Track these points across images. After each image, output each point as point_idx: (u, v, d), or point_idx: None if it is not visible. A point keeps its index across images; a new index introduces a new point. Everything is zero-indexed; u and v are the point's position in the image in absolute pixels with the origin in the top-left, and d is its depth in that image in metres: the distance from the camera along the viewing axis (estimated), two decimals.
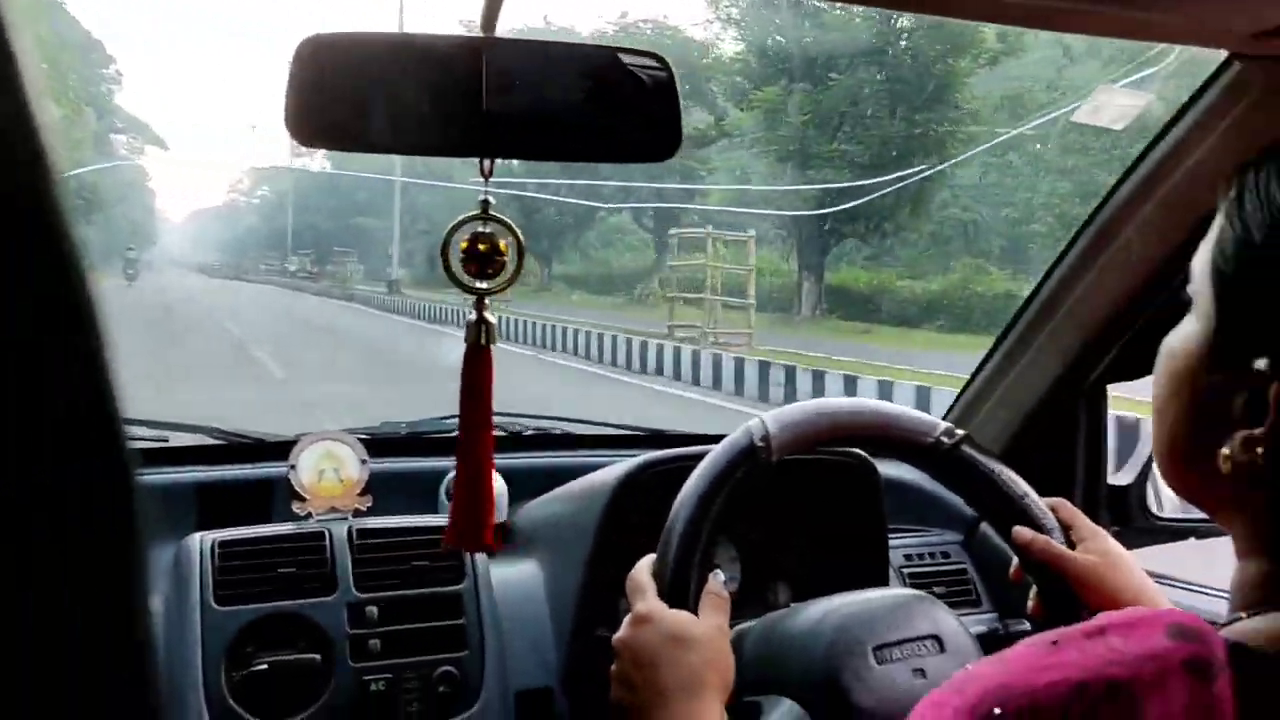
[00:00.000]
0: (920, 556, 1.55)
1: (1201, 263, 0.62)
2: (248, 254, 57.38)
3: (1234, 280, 0.59)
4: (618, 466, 1.32)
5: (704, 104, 26.38)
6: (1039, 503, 1.09)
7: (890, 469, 1.61)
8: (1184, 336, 0.64)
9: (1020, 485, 1.09)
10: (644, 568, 1.04)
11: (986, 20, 0.83)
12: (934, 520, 1.65)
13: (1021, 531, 1.08)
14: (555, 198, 26.39)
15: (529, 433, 1.70)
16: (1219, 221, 0.61)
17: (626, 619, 1.01)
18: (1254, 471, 0.58)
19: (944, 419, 1.43)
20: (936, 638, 1.07)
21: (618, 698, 0.99)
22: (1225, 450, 0.59)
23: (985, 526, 1.57)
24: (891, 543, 1.48)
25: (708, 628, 0.99)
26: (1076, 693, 0.52)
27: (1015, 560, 1.09)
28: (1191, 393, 0.63)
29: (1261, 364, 0.56)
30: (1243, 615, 0.59)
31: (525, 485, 1.50)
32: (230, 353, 14.43)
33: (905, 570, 1.52)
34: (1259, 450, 0.57)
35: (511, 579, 1.32)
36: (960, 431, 1.08)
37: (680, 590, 1.00)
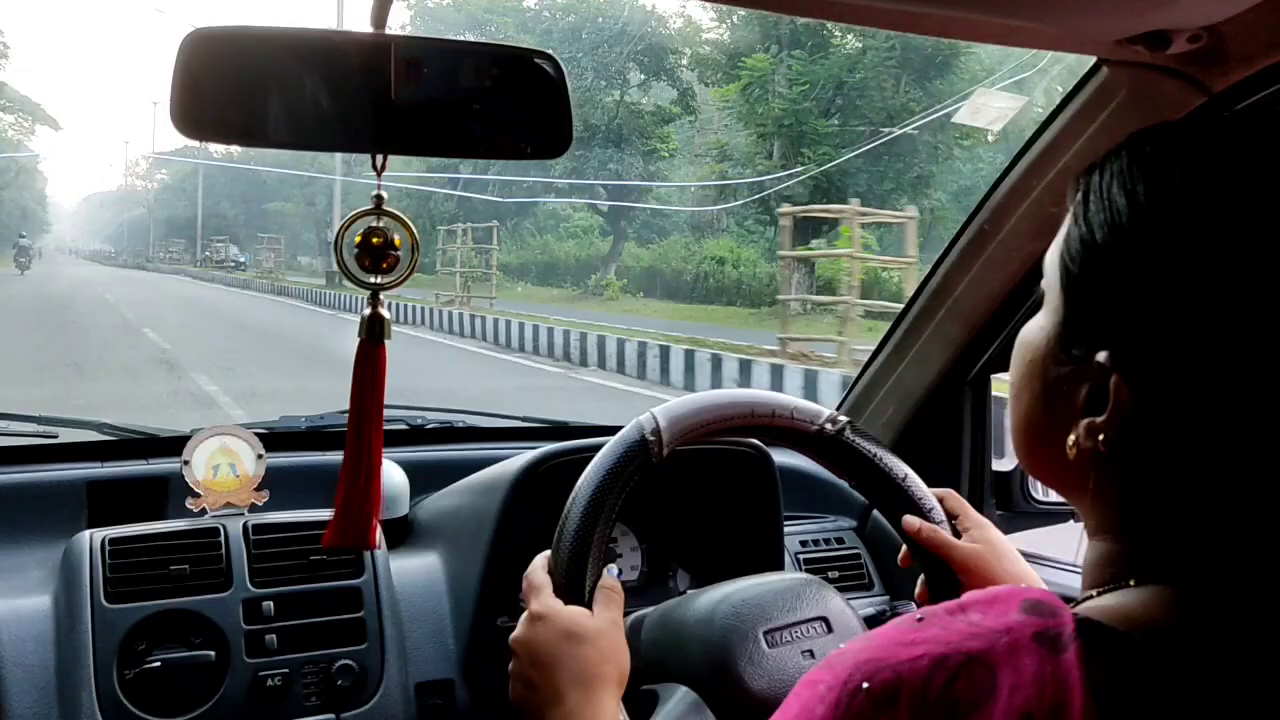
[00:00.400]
0: (815, 542, 1.60)
1: (1052, 260, 0.65)
2: (150, 241, 55.13)
3: (1078, 277, 0.62)
4: (517, 459, 1.33)
5: (669, 79, 25.96)
6: (921, 485, 1.14)
7: (787, 458, 1.65)
8: (1036, 329, 0.67)
9: (901, 468, 1.14)
10: (539, 566, 1.06)
11: (857, 23, 0.86)
12: (829, 507, 1.70)
13: (910, 520, 1.13)
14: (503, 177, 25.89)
15: (431, 426, 1.70)
16: (1067, 221, 0.64)
17: (522, 618, 1.02)
18: (1098, 457, 0.61)
19: (837, 409, 1.48)
20: (824, 620, 1.11)
21: (516, 696, 1.00)
22: (1072, 437, 0.62)
23: (878, 513, 1.63)
24: (788, 529, 1.52)
25: (602, 622, 1.01)
26: (937, 665, 0.55)
27: (904, 547, 1.14)
28: (1042, 383, 0.66)
29: (1102, 357, 0.59)
30: (1093, 593, 0.63)
31: (427, 478, 1.50)
32: (127, 344, 13.92)
33: (801, 556, 1.56)
34: (1101, 437, 0.60)
35: (412, 571, 1.32)
36: (844, 419, 1.12)
37: (575, 586, 1.02)
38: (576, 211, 31.78)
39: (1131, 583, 0.60)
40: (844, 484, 1.67)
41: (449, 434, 1.69)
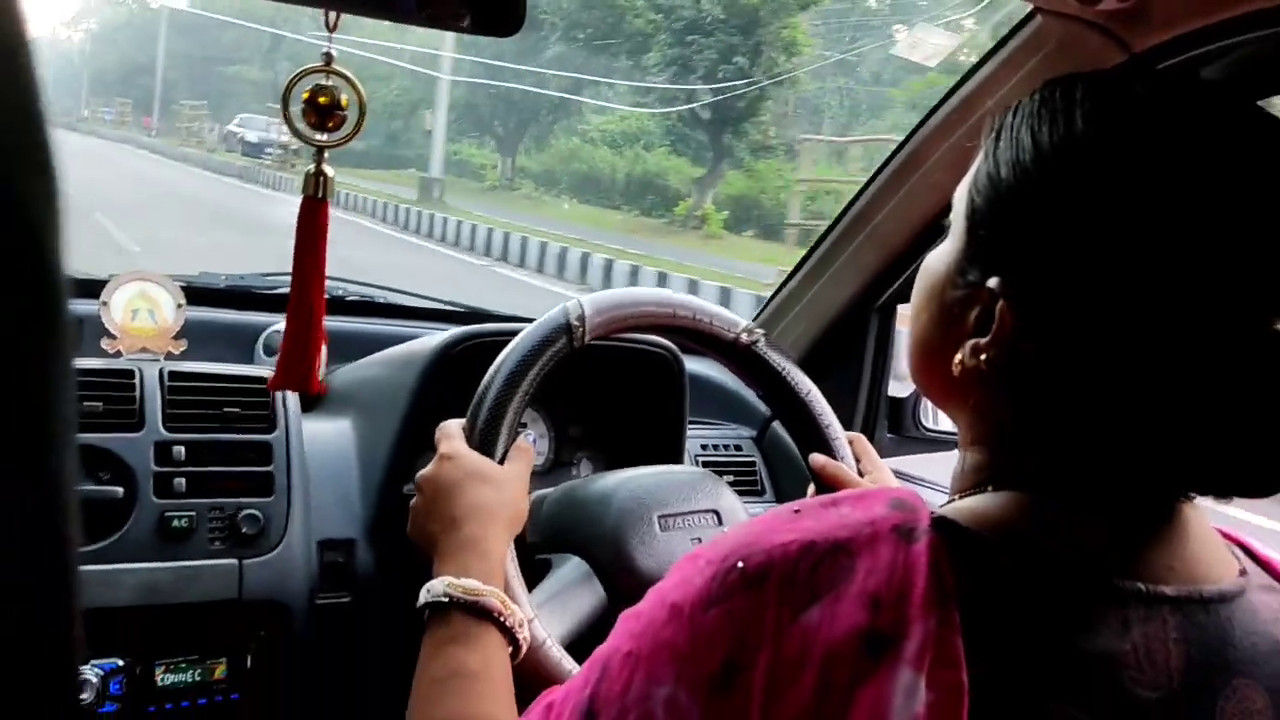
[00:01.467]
0: (715, 447, 1.67)
1: (960, 193, 0.69)
2: (74, 99, 50.38)
3: (980, 209, 0.66)
4: (438, 335, 1.36)
5: None
6: (822, 402, 1.21)
7: (699, 366, 1.72)
8: (939, 255, 0.71)
9: (806, 384, 1.20)
10: (454, 421, 1.09)
11: None
12: (732, 416, 1.77)
13: (817, 456, 1.20)
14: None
15: (352, 298, 1.71)
16: (978, 158, 0.68)
17: (433, 459, 1.06)
18: (979, 374, 0.66)
19: (753, 320, 1.54)
20: (716, 512, 1.18)
21: (416, 524, 1.03)
22: (959, 355, 0.67)
23: (777, 426, 1.71)
24: (691, 432, 1.59)
25: (509, 471, 1.04)
26: (805, 550, 0.59)
27: (811, 485, 1.21)
28: (939, 304, 0.70)
29: (993, 283, 0.64)
30: (955, 497, 0.70)
31: (344, 348, 1.52)
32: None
33: (700, 457, 1.63)
34: (983, 356, 0.65)
35: (323, 434, 1.35)
36: (760, 331, 1.18)
37: (487, 447, 1.06)
38: (622, 119, 25.55)
39: (990, 488, 0.66)
40: (748, 395, 1.75)
41: (370, 308, 1.71)
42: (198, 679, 1.16)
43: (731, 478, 1.62)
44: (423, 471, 1.05)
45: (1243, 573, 0.65)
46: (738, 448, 1.69)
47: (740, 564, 0.60)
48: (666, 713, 0.59)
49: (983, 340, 0.65)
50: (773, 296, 1.73)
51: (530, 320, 1.14)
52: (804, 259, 1.65)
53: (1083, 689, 0.57)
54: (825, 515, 0.62)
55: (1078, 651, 0.58)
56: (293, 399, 1.31)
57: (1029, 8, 1.13)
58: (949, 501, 0.68)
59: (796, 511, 0.63)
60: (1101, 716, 0.57)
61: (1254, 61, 1.07)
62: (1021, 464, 0.66)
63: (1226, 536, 0.70)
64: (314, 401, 1.42)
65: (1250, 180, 0.58)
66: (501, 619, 0.92)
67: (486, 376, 1.09)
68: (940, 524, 0.60)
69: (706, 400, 1.76)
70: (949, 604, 0.56)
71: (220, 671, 1.17)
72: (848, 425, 1.28)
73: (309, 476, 1.28)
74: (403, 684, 1.06)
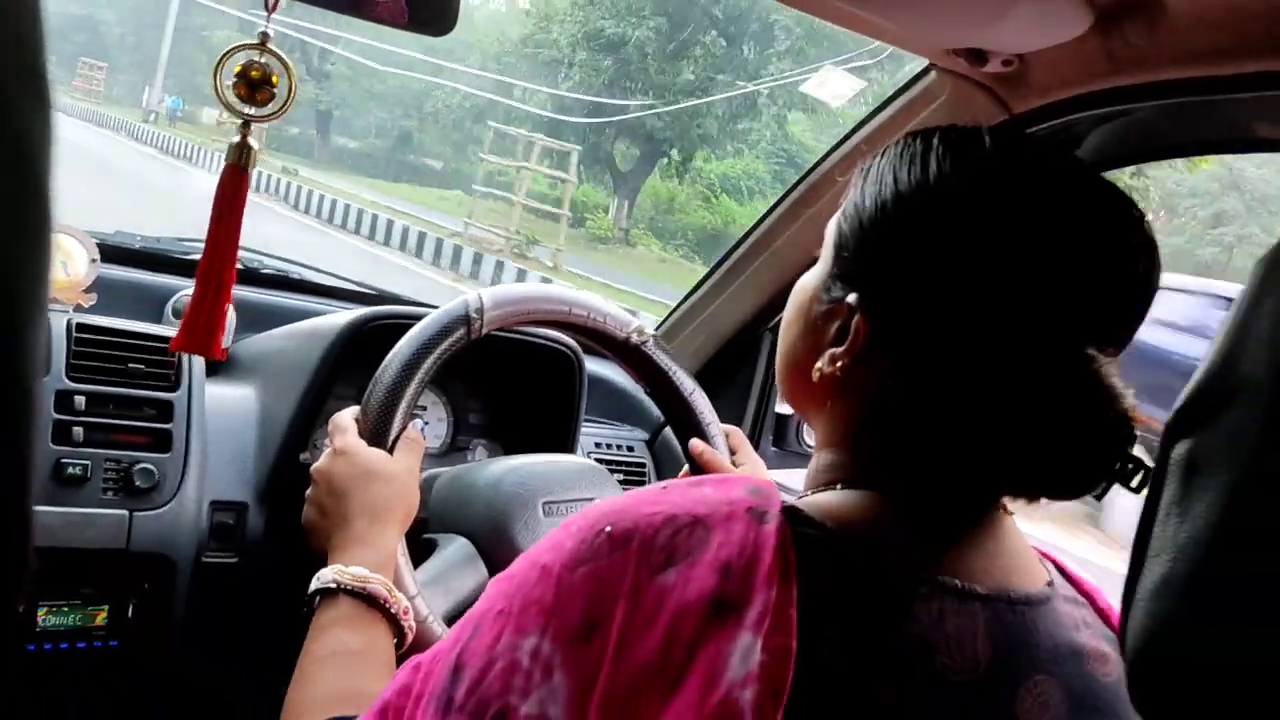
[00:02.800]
0: (608, 446, 1.73)
1: (832, 221, 0.78)
2: None
3: (846, 236, 0.75)
4: (345, 314, 1.40)
5: None
6: (704, 400, 1.29)
7: (602, 369, 1.79)
8: (809, 275, 0.80)
9: (690, 384, 1.28)
10: (347, 412, 1.14)
11: None
12: (626, 418, 1.84)
13: (696, 443, 1.28)
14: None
15: (267, 271, 1.74)
16: (850, 192, 0.77)
17: (326, 452, 1.11)
18: (835, 382, 0.74)
19: (655, 329, 1.61)
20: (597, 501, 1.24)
21: (309, 519, 1.09)
22: (819, 363, 0.75)
23: (669, 431, 1.78)
24: (586, 430, 1.65)
25: (399, 466, 1.10)
26: (668, 521, 0.65)
27: (686, 466, 1.29)
28: (805, 318, 0.79)
29: (852, 299, 0.72)
30: (808, 493, 0.78)
31: (256, 319, 1.55)
32: None
33: (593, 454, 1.69)
34: (839, 364, 0.73)
35: (225, 399, 1.38)
36: (650, 332, 1.25)
37: (380, 435, 1.10)
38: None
39: (839, 487, 0.73)
40: (645, 401, 1.82)
41: (283, 282, 1.74)
42: (78, 623, 1.18)
43: (621, 476, 1.69)
44: (317, 464, 1.10)
45: (1050, 584, 0.73)
46: (630, 448, 1.76)
47: (608, 529, 0.65)
48: (531, 661, 0.63)
49: (839, 350, 0.73)
50: (675, 309, 1.81)
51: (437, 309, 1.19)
52: (706, 276, 1.74)
53: (898, 667, 0.64)
54: (689, 493, 0.68)
55: (897, 634, 0.65)
56: (198, 362, 1.34)
57: (926, 63, 1.23)
58: (801, 496, 0.75)
59: (664, 488, 0.69)
60: (914, 693, 0.64)
61: (1115, 132, 1.19)
62: (866, 467, 0.73)
63: (1042, 555, 0.79)
64: (220, 367, 1.44)
65: (1068, 229, 0.67)
66: (387, 605, 0.98)
67: (384, 362, 1.13)
68: (790, 511, 0.67)
69: (605, 401, 1.83)
70: (789, 580, 0.62)
71: (102, 619, 1.19)
72: None
73: (207, 437, 1.31)
74: (283, 644, 1.11)
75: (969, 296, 0.68)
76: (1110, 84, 1.06)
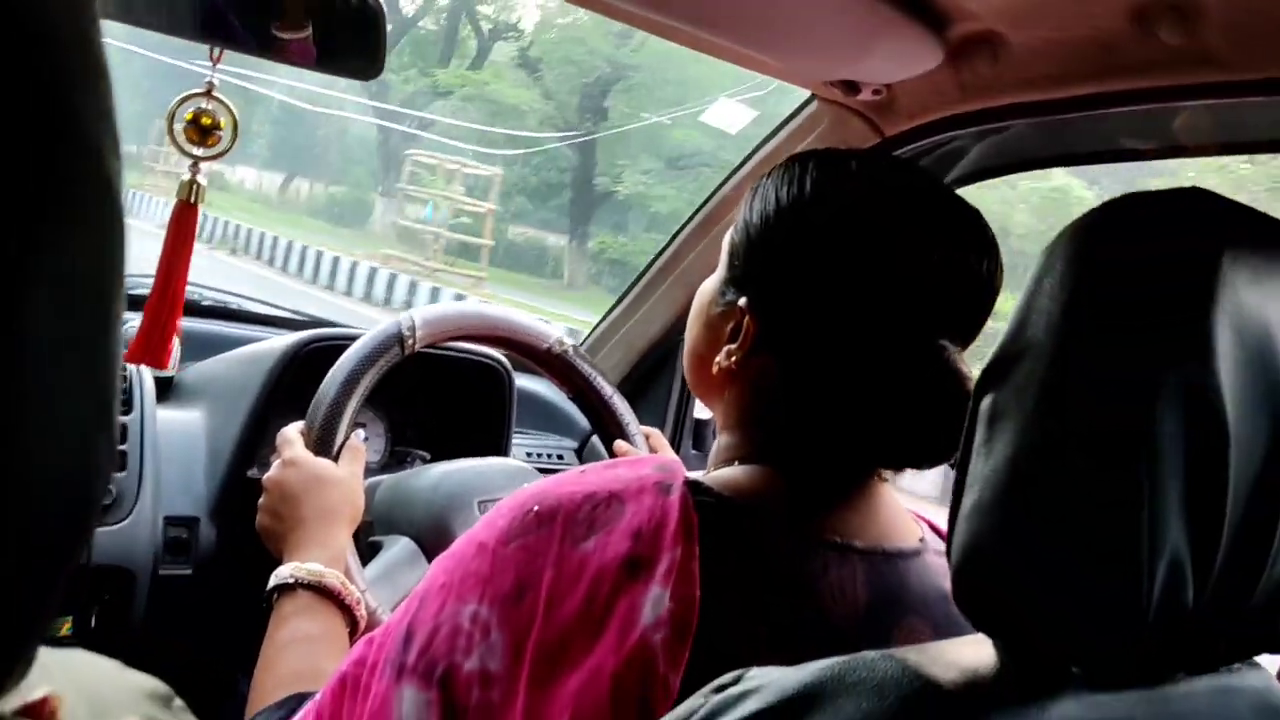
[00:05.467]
0: (538, 455, 1.84)
1: (726, 237, 0.90)
2: None
3: (736, 247, 0.87)
4: (285, 338, 1.49)
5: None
6: (624, 404, 1.40)
7: (529, 383, 1.89)
8: (708, 282, 0.91)
9: (609, 389, 1.39)
10: (294, 426, 1.23)
11: (621, 20, 1.03)
12: (555, 429, 1.95)
13: (621, 444, 1.39)
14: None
15: (207, 302, 1.82)
16: (740, 210, 0.89)
17: (276, 463, 1.20)
18: (730, 373, 0.85)
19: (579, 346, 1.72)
20: None
21: (264, 524, 1.17)
22: (717, 359, 0.84)
23: (596, 441, 1.89)
24: (517, 440, 1.75)
25: (345, 472, 1.20)
26: (587, 498, 0.73)
27: None
28: (705, 320, 0.89)
29: (743, 301, 0.83)
30: (711, 470, 0.88)
31: (197, 347, 1.63)
32: None
33: (524, 462, 1.79)
34: (733, 359, 0.84)
35: (174, 421, 1.46)
36: (570, 343, 1.37)
37: (325, 445, 1.20)
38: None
39: (737, 463, 0.84)
40: (573, 412, 1.93)
41: (223, 312, 1.82)
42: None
43: None
44: (269, 474, 1.18)
45: (922, 540, 0.84)
46: (559, 456, 1.87)
47: (535, 508, 0.74)
48: (472, 624, 0.71)
49: (733, 346, 0.84)
50: (595, 327, 1.92)
51: None
52: (623, 296, 1.86)
53: (788, 611, 0.74)
54: (604, 473, 0.77)
55: (786, 584, 0.75)
56: (149, 386, 1.42)
57: (809, 93, 1.37)
58: (704, 472, 0.86)
59: (582, 472, 0.79)
60: (803, 635, 0.74)
61: (992, 147, 1.34)
62: (759, 446, 0.84)
63: (917, 517, 0.91)
64: (167, 392, 1.52)
65: (920, 237, 0.79)
66: (341, 597, 1.07)
67: (325, 381, 1.23)
68: (692, 484, 0.77)
69: (535, 414, 1.93)
70: (692, 539, 0.71)
71: (66, 628, 1.26)
72: None
73: (159, 458, 1.39)
74: (236, 649, 1.19)
75: (837, 297, 0.80)
76: (965, 108, 1.21)
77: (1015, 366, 0.60)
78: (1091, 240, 0.58)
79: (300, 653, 1.01)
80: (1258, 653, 0.65)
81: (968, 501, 0.61)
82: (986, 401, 0.62)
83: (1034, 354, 0.58)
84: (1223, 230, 0.57)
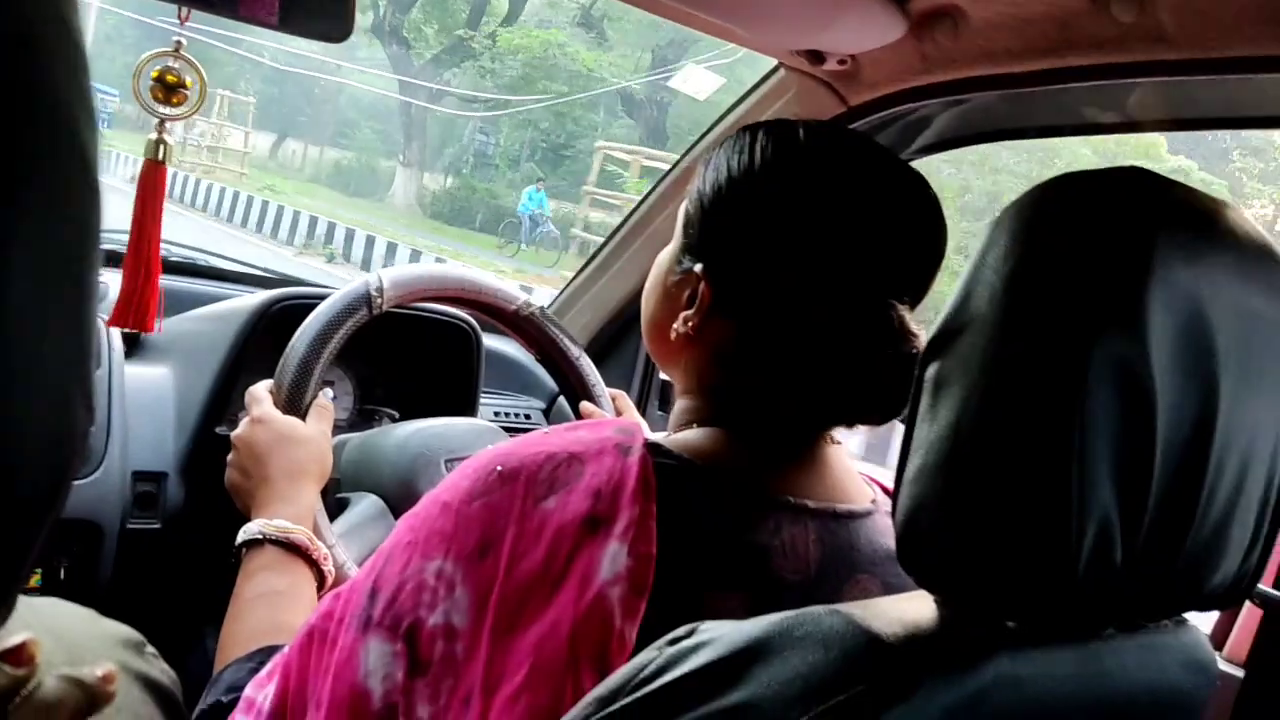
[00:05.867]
0: (506, 414, 1.86)
1: (683, 205, 0.91)
2: None
3: (691, 215, 0.88)
4: (257, 295, 1.50)
5: None
6: (589, 364, 1.42)
7: (498, 344, 1.91)
8: (666, 251, 0.93)
9: (576, 350, 1.41)
10: (263, 385, 1.24)
11: None
12: (524, 390, 1.97)
13: (587, 406, 1.41)
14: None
15: (175, 259, 1.81)
16: (695, 177, 0.90)
17: (244, 421, 1.20)
18: (688, 339, 0.87)
19: (547, 306, 1.74)
20: None
21: (232, 481, 1.18)
22: (675, 325, 0.86)
23: (562, 401, 1.91)
24: (485, 400, 1.77)
25: (313, 430, 1.21)
26: (549, 458, 0.75)
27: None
28: (663, 287, 0.91)
29: (699, 268, 0.85)
30: (671, 433, 0.91)
31: (164, 304, 1.63)
32: None
33: (492, 423, 1.82)
34: (690, 325, 0.86)
35: (143, 378, 1.46)
36: (537, 304, 1.39)
37: (294, 403, 1.21)
38: None
39: (695, 426, 0.86)
40: (539, 373, 1.95)
41: (192, 269, 1.81)
42: None
43: None
44: (238, 432, 1.19)
45: (873, 501, 0.87)
46: (527, 416, 1.89)
47: (499, 468, 0.76)
48: (436, 580, 0.73)
49: (690, 312, 0.86)
50: (564, 289, 1.94)
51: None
52: (592, 258, 1.87)
53: (742, 569, 0.77)
54: (566, 435, 0.79)
55: (740, 541, 0.77)
56: (117, 343, 1.42)
57: (776, 61, 1.38)
58: (664, 435, 0.87)
59: (545, 433, 0.80)
60: (755, 591, 0.76)
61: (958, 117, 1.36)
62: (716, 409, 0.87)
63: (869, 479, 0.94)
64: (135, 348, 1.53)
65: (867, 203, 0.82)
66: (309, 552, 1.08)
67: (293, 340, 1.23)
68: (652, 446, 0.79)
69: (504, 374, 1.95)
70: (650, 499, 0.73)
71: (35, 580, 1.27)
72: None
73: (127, 413, 1.40)
74: (203, 602, 1.20)
75: (787, 263, 0.82)
76: (928, 80, 1.23)
77: (960, 337, 0.62)
78: (1033, 217, 0.61)
79: (268, 607, 1.03)
80: (1185, 610, 0.69)
81: (913, 465, 0.64)
82: (932, 370, 0.64)
83: (977, 326, 0.61)
84: (1159, 208, 0.59)
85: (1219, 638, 1.11)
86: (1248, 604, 1.05)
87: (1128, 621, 0.66)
